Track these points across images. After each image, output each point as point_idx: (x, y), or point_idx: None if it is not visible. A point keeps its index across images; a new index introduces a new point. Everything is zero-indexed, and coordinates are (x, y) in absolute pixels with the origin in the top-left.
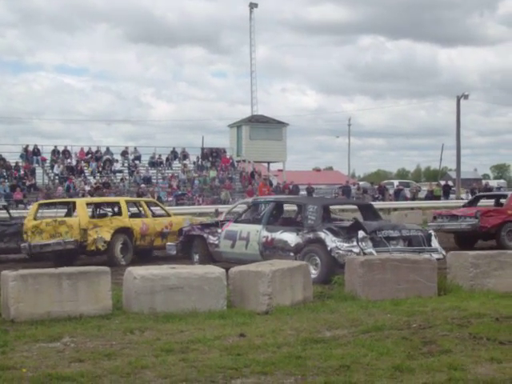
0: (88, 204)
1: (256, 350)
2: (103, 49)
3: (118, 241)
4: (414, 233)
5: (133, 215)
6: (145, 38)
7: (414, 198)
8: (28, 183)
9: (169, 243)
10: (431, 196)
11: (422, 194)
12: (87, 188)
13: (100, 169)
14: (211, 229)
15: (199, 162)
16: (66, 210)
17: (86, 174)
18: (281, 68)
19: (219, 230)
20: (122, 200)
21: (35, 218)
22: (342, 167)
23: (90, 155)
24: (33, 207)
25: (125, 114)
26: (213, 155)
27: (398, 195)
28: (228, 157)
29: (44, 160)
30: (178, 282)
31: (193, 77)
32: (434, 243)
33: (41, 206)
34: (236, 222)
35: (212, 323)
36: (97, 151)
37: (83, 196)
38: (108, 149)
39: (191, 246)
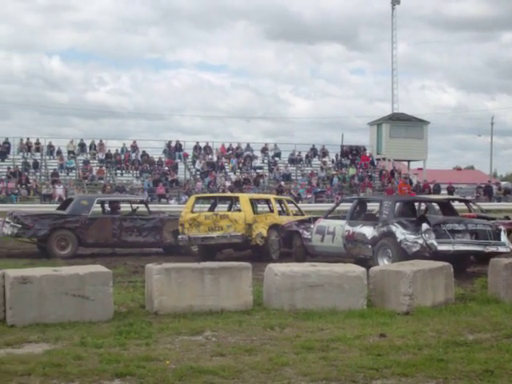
0: (250, 200)
1: (397, 350)
2: (242, 46)
3: (272, 236)
4: (480, 227)
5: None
6: (283, 34)
7: None
8: (170, 178)
9: (271, 239)
10: None
11: None
12: (228, 184)
13: (240, 165)
14: (306, 225)
15: (338, 160)
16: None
17: (227, 170)
18: (420, 65)
19: (312, 226)
20: (271, 197)
21: (192, 211)
22: (483, 166)
23: (230, 151)
24: (190, 200)
25: (263, 111)
26: (352, 153)
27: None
28: (368, 155)
29: (186, 156)
30: (318, 279)
31: (331, 74)
32: (503, 238)
33: (198, 199)
34: (326, 218)
35: (352, 322)
36: (237, 147)
37: (223, 191)
38: (248, 145)
39: (291, 241)
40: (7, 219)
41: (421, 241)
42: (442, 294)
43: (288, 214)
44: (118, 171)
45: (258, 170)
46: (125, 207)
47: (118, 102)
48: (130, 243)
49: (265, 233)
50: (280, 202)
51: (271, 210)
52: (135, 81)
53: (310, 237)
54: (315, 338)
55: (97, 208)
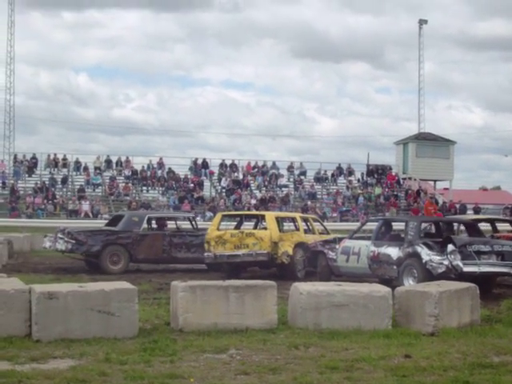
0: (276, 218)
1: (422, 372)
2: (268, 64)
3: (298, 255)
4: (507, 248)
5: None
6: (309, 53)
7: None
8: (196, 195)
9: (296, 257)
10: None
11: None
12: (253, 201)
13: (266, 183)
14: (331, 245)
15: (364, 179)
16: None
17: (252, 188)
18: (446, 84)
19: (337, 246)
20: (297, 216)
21: (218, 229)
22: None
23: (256, 169)
24: (216, 217)
25: (289, 129)
26: (378, 172)
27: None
28: (394, 174)
29: (212, 173)
30: (343, 299)
31: (357, 92)
32: None
33: (224, 216)
34: (351, 238)
35: (377, 342)
36: (263, 165)
37: (248, 209)
38: (274, 163)
39: (316, 260)
40: (60, 235)
41: (446, 262)
42: (467, 315)
43: (314, 233)
44: (144, 188)
45: (283, 189)
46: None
47: (143, 119)
48: (179, 259)
49: (291, 251)
50: (306, 220)
51: (297, 229)
52: (161, 98)
53: (335, 257)
54: (340, 357)
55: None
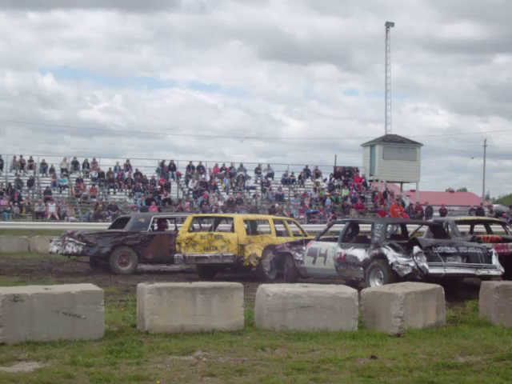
0: (245, 221)
1: (387, 372)
2: (235, 66)
3: (267, 257)
4: (472, 250)
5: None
6: (276, 55)
7: None
8: (163, 197)
9: (265, 260)
10: None
11: None
12: (220, 203)
13: (233, 185)
14: (298, 246)
15: (331, 181)
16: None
17: (220, 190)
18: (413, 87)
19: (304, 248)
20: (270, 218)
21: (189, 231)
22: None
23: (223, 171)
24: (187, 220)
25: (256, 131)
26: (345, 174)
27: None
28: (361, 176)
29: (179, 175)
30: (309, 300)
31: (324, 95)
32: (495, 261)
33: (195, 218)
34: (318, 240)
35: (343, 343)
36: (230, 167)
37: (216, 211)
38: (241, 165)
39: (283, 262)
40: (69, 238)
41: (412, 264)
42: (433, 316)
43: (288, 235)
44: (111, 189)
45: (250, 190)
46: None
47: (110, 121)
48: None
49: (260, 253)
50: (281, 222)
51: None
52: (128, 99)
53: (301, 259)
54: (306, 359)
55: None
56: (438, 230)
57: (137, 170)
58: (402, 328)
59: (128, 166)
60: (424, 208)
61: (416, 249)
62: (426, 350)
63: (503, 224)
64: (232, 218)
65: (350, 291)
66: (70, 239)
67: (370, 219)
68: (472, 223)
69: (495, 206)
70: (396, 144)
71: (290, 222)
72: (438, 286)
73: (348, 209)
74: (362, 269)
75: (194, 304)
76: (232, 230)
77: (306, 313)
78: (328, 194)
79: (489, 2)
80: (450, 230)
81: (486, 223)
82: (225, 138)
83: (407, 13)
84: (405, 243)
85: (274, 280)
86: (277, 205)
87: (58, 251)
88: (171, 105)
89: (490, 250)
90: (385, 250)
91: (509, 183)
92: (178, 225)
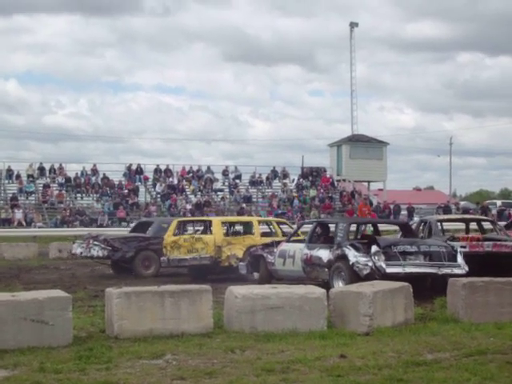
0: (223, 223)
1: (357, 371)
2: (200, 68)
3: (245, 260)
4: (434, 248)
5: (264, 234)
6: (241, 56)
7: None
8: (131, 201)
9: (241, 263)
10: None
11: None
12: (188, 206)
13: (201, 187)
14: (270, 248)
15: (299, 181)
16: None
17: (188, 193)
18: (378, 86)
19: (275, 250)
20: (254, 220)
21: (174, 234)
22: (443, 186)
23: (191, 174)
24: (172, 224)
25: (223, 133)
26: (313, 174)
27: (501, 215)
28: (328, 176)
29: (146, 179)
30: (278, 301)
31: (290, 96)
32: (459, 259)
33: (180, 222)
34: (288, 241)
35: (312, 343)
36: (198, 170)
37: (184, 215)
38: (209, 168)
39: (258, 264)
40: (95, 242)
41: (371, 263)
42: (401, 314)
43: (277, 236)
44: (78, 195)
45: (218, 193)
46: None
47: (76, 125)
48: None
49: (241, 254)
50: (269, 224)
51: (251, 233)
52: (93, 103)
53: (273, 261)
54: (276, 359)
55: None
56: (406, 229)
57: (104, 174)
58: (371, 327)
59: (95, 171)
60: (391, 207)
61: (374, 248)
62: (394, 347)
63: (491, 222)
64: (211, 221)
65: (319, 291)
66: (96, 243)
67: (334, 219)
68: (456, 222)
69: (462, 203)
70: (363, 144)
71: (281, 224)
72: (406, 283)
73: (317, 209)
74: (326, 270)
75: (162, 307)
76: (211, 232)
77: (275, 314)
78: (296, 194)
79: (452, 0)
80: (432, 229)
81: (467, 222)
82: (191, 141)
83: (371, 12)
84: (365, 243)
85: (257, 280)
86: (244, 206)
87: (81, 253)
88: (137, 108)
89: (454, 249)
90: (346, 250)
91: (475, 180)
92: (197, 228)
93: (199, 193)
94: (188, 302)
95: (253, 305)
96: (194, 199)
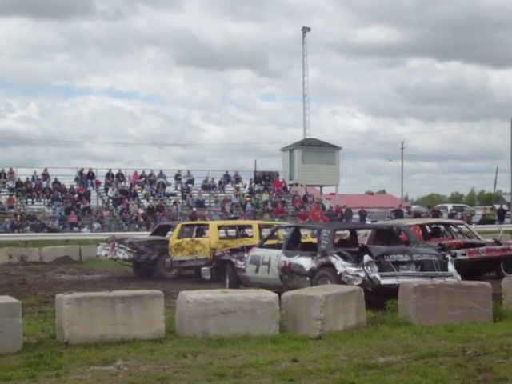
0: (220, 227)
1: (309, 375)
2: (151, 72)
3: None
4: (426, 257)
5: None
6: (192, 61)
7: (468, 223)
8: (82, 206)
9: (204, 268)
10: (485, 220)
11: (476, 218)
12: (141, 211)
13: (153, 192)
14: (239, 254)
15: (252, 186)
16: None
17: (140, 197)
18: (330, 91)
19: (245, 255)
20: (254, 224)
21: (178, 237)
22: (395, 191)
23: (143, 178)
24: (177, 227)
25: (175, 137)
26: (265, 179)
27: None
28: (281, 180)
29: (98, 183)
30: (230, 306)
31: (242, 100)
32: (451, 268)
33: (183, 226)
34: (260, 246)
35: (264, 348)
36: (150, 174)
37: (136, 219)
38: (161, 172)
39: (224, 270)
40: (121, 245)
41: (362, 274)
42: (353, 317)
43: (279, 239)
44: (29, 199)
45: (171, 197)
46: None
47: (26, 129)
48: None
49: None
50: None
51: (250, 236)
52: (44, 107)
53: (243, 267)
54: (228, 364)
55: None
56: (388, 235)
57: (55, 179)
58: (323, 330)
59: (46, 176)
60: (343, 211)
61: (366, 258)
62: (346, 351)
63: (461, 225)
64: (207, 225)
65: (271, 295)
66: (122, 246)
67: (316, 225)
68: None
69: (414, 207)
70: (315, 148)
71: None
72: (357, 287)
73: (270, 213)
74: (308, 278)
75: (113, 313)
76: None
77: (226, 318)
78: (248, 199)
79: (402, 5)
80: (407, 235)
81: (431, 226)
82: (144, 145)
83: (323, 17)
84: (354, 251)
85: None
86: (197, 211)
87: (106, 255)
88: (88, 113)
89: (446, 257)
90: (333, 259)
91: (426, 184)
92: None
93: (151, 197)
94: (139, 308)
95: (205, 309)
96: (146, 204)
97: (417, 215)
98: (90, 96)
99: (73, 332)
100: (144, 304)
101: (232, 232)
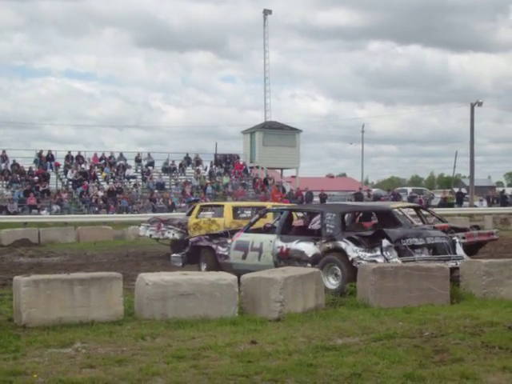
0: (234, 207)
1: (267, 357)
2: (110, 53)
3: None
4: (438, 240)
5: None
6: (152, 42)
7: (427, 206)
8: (41, 188)
9: (174, 254)
10: (445, 203)
11: (435, 202)
12: (101, 193)
13: (113, 174)
14: (220, 239)
15: (212, 168)
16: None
17: (100, 180)
18: (290, 74)
19: (229, 241)
20: (269, 205)
21: (197, 217)
22: (355, 174)
23: (103, 161)
24: (196, 208)
25: (135, 120)
26: (226, 161)
27: (412, 202)
28: (241, 163)
29: (58, 165)
30: (189, 288)
31: (202, 82)
32: (459, 250)
33: (202, 207)
34: (247, 231)
35: (223, 330)
36: (110, 157)
37: (96, 202)
38: (121, 154)
39: (198, 257)
40: (169, 225)
41: (381, 259)
42: (312, 299)
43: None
44: None
45: (131, 180)
46: None
47: None
48: None
49: None
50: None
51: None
52: (1, 89)
53: (226, 253)
54: (186, 346)
55: None
56: (388, 218)
57: (14, 161)
58: (282, 312)
59: (4, 157)
60: (304, 194)
61: (385, 242)
62: (305, 333)
63: (419, 208)
64: (223, 205)
65: (230, 278)
66: (170, 226)
67: (317, 207)
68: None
69: (374, 190)
70: (275, 131)
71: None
72: (316, 270)
73: (230, 196)
74: (309, 265)
75: (72, 295)
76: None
77: (185, 301)
78: (209, 181)
79: None
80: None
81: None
82: (103, 127)
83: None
84: (367, 235)
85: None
86: (157, 193)
87: (151, 236)
88: (46, 94)
89: (453, 239)
90: (343, 244)
91: (386, 168)
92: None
93: (111, 180)
94: (98, 290)
95: (163, 292)
96: (106, 186)
97: (376, 198)
98: (48, 77)
99: (30, 315)
100: (103, 286)
101: (247, 213)
